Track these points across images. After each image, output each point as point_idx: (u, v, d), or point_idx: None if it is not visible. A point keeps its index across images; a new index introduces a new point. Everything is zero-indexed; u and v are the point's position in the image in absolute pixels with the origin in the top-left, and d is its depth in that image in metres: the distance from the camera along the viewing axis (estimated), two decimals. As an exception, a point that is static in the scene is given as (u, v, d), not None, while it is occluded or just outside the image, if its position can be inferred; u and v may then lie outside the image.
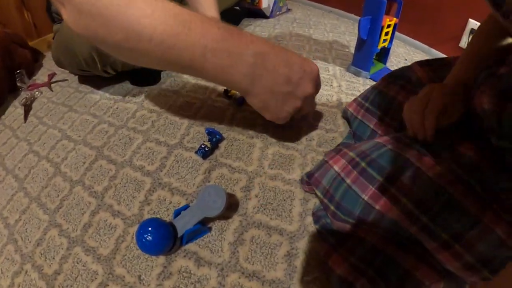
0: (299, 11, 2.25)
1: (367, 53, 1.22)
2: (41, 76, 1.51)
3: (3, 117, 1.19)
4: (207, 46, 0.60)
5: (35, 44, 1.84)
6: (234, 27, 0.65)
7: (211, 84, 1.14)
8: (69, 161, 0.85)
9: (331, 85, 1.17)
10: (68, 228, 0.68)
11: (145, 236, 0.56)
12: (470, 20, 1.49)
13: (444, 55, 1.65)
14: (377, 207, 0.53)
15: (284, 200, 0.70)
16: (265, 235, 0.63)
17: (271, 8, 2.01)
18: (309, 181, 0.67)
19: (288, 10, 2.23)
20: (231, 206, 0.68)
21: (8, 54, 1.58)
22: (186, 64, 0.62)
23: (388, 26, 1.21)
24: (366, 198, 0.54)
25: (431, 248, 0.49)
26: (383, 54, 1.36)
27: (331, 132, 0.90)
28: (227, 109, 0.99)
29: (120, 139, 0.89)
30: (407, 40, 1.85)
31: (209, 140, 0.82)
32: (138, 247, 0.58)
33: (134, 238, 0.60)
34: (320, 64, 1.35)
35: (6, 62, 1.51)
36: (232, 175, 0.76)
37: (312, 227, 0.65)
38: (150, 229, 0.57)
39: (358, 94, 0.96)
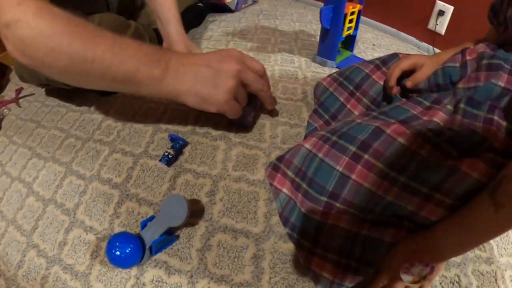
0: (265, 2, 2.23)
1: (332, 43, 1.23)
2: (9, 92, 1.50)
3: (-27, 137, 1.17)
4: (140, 59, 0.71)
5: (0, 58, 1.83)
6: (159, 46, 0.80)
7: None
8: (41, 179, 0.87)
9: (296, 78, 1.19)
10: (45, 248, 0.70)
11: (113, 251, 0.59)
12: (438, 1, 1.53)
13: (413, 38, 1.70)
14: (353, 176, 0.53)
15: (249, 202, 0.72)
16: (231, 239, 0.66)
17: (236, 1, 1.98)
18: (279, 164, 0.66)
19: (254, 1, 2.21)
20: (197, 212, 0.71)
21: (-27, 72, 1.48)
22: (122, 79, 0.72)
23: (352, 13, 1.22)
24: (341, 169, 0.54)
25: (415, 206, 0.51)
26: (350, 42, 1.38)
27: (296, 127, 0.92)
28: (191, 112, 1.00)
29: (87, 153, 0.91)
30: (374, 24, 1.87)
31: (172, 147, 0.84)
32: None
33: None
34: (285, 56, 1.37)
35: (-28, 80, 1.40)
36: (197, 181, 0.78)
37: (278, 228, 0.67)
38: (118, 244, 0.59)
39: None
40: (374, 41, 1.66)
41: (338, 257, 0.55)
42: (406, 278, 0.51)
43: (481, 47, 0.68)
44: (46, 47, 0.65)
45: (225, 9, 2.00)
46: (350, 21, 1.24)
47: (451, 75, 0.70)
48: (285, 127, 0.91)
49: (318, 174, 0.57)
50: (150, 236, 0.62)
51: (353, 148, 0.55)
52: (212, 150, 0.85)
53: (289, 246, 0.65)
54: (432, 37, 1.65)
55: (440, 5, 1.56)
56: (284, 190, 0.62)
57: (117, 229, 0.70)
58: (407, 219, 0.53)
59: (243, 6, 2.08)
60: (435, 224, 0.52)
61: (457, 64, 0.70)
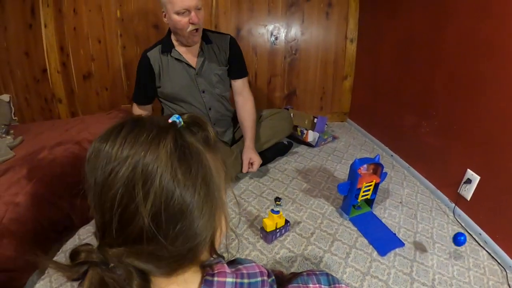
0: (343, 140, 2.83)
1: (348, 204, 1.79)
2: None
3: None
4: None
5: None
6: None
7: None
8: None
9: (315, 221, 1.77)
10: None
11: None
12: (468, 170, 1.83)
13: (446, 198, 2.00)
14: None
15: None
16: None
17: (316, 141, 2.59)
18: None
19: (334, 138, 2.76)
20: None
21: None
22: None
23: (369, 185, 1.73)
24: None
25: None
26: (370, 201, 1.88)
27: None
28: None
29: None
30: (418, 177, 2.26)
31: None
32: None
33: None
34: (321, 202, 1.95)
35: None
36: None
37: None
38: None
39: (332, 232, 1.64)
40: (407, 197, 2.01)
41: None
42: None
43: None
44: None
45: (308, 144, 2.63)
46: (367, 191, 1.76)
47: None
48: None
49: None
50: None
51: None
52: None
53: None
54: (460, 200, 1.89)
55: (469, 173, 1.79)
56: None
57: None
58: None
59: (322, 143, 2.68)
60: None
61: None
